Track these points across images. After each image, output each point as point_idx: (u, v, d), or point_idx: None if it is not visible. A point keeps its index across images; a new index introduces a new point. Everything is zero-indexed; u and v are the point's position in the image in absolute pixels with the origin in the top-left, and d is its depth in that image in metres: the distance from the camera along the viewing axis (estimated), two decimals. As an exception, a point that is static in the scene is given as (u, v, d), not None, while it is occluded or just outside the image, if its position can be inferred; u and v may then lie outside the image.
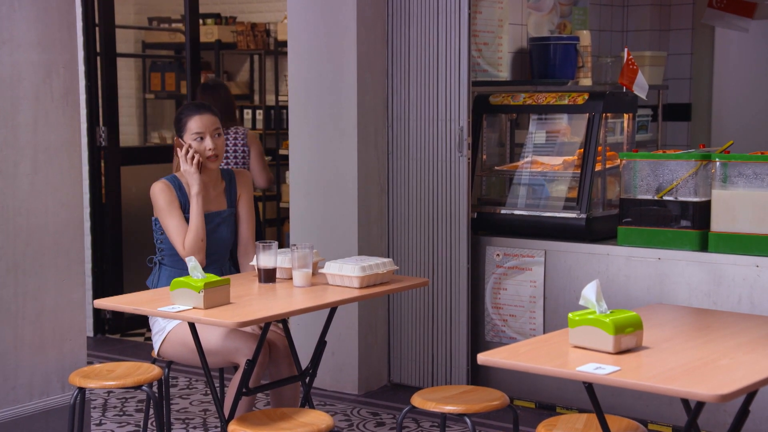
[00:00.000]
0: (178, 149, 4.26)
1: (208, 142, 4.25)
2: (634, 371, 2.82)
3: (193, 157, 4.22)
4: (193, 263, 3.70)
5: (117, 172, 6.85)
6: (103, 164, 6.81)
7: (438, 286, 5.40)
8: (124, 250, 6.88)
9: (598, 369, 2.82)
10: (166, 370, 4.31)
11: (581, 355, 2.96)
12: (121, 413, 5.22)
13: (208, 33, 9.18)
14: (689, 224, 4.78)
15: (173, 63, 9.33)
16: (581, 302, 3.09)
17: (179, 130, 4.30)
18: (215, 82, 6.64)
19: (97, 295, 6.82)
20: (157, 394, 4.27)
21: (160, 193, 4.22)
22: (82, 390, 3.92)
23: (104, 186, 6.83)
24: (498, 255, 5.32)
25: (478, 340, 5.42)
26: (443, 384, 5.41)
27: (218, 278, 3.67)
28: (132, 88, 9.67)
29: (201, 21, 9.23)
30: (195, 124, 4.26)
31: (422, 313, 5.48)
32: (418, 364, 5.52)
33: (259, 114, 9.11)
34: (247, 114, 9.19)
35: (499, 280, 5.32)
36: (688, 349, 3.04)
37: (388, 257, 5.53)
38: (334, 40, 5.41)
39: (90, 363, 6.16)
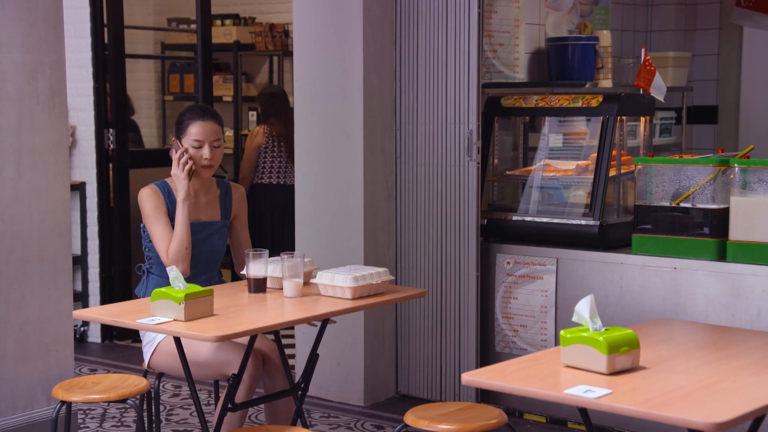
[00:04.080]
0: (174, 150, 4.10)
1: (205, 151, 4.10)
2: (627, 394, 2.62)
3: (186, 163, 4.07)
4: (174, 273, 3.55)
5: (125, 175, 6.72)
6: (111, 167, 6.68)
7: (447, 295, 5.22)
8: (132, 255, 6.75)
9: (588, 392, 2.63)
10: (156, 382, 4.17)
11: (573, 376, 2.77)
12: (119, 424, 5.09)
13: (227, 34, 9.05)
14: (707, 232, 4.56)
15: (192, 64, 9.20)
16: (574, 318, 2.90)
17: (178, 131, 4.14)
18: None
19: (104, 300, 6.70)
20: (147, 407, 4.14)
21: (147, 198, 4.08)
22: (66, 403, 3.77)
23: (112, 189, 6.70)
24: (508, 263, 5.13)
25: (487, 351, 5.23)
26: (452, 395, 5.24)
27: (201, 289, 3.51)
28: (151, 89, 9.57)
29: (220, 22, 9.12)
30: (196, 129, 4.10)
31: (430, 322, 5.30)
32: (427, 375, 5.34)
33: (277, 116, 8.95)
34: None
35: (510, 288, 5.13)
36: (687, 370, 2.84)
37: (395, 264, 5.36)
38: (340, 40, 5.24)
39: (94, 371, 6.06)
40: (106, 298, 6.70)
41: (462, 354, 5.20)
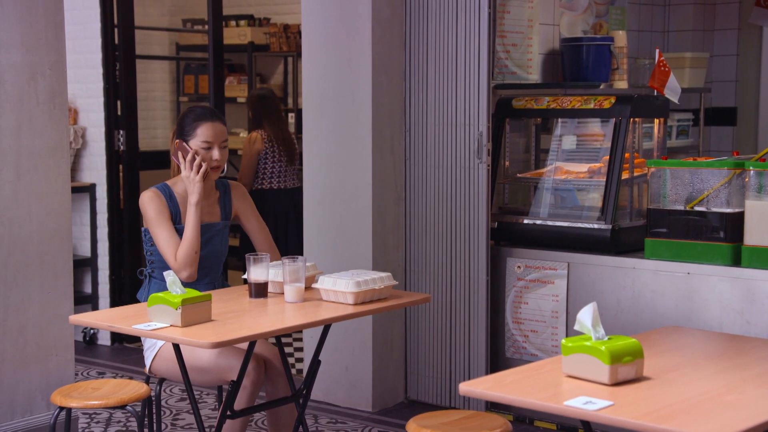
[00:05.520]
0: (181, 153, 4.02)
1: (215, 153, 4.04)
2: (629, 406, 2.53)
3: (200, 166, 3.99)
4: (171, 278, 3.48)
5: (136, 176, 6.67)
6: (121, 169, 6.63)
7: (456, 299, 5.13)
8: (142, 257, 6.69)
9: (588, 404, 2.54)
10: (158, 387, 4.10)
11: (574, 387, 2.68)
12: (124, 429, 5.03)
13: (241, 35, 8.99)
14: (721, 237, 4.45)
15: (207, 65, 9.13)
16: (576, 327, 2.81)
17: (186, 133, 4.06)
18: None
19: (114, 302, 6.65)
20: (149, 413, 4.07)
21: (149, 202, 4.01)
22: (65, 409, 3.71)
23: (122, 191, 6.65)
24: (519, 267, 5.04)
25: (498, 357, 5.14)
26: (461, 401, 5.15)
27: (198, 294, 3.44)
28: (166, 90, 9.51)
29: (234, 23, 9.05)
30: (206, 131, 4.04)
31: (440, 327, 5.21)
32: (436, 380, 5.26)
33: (292, 117, 8.91)
34: (280, 116, 8.97)
35: (520, 293, 5.04)
36: (693, 381, 2.75)
37: (404, 268, 5.28)
38: (348, 40, 5.17)
39: (102, 374, 6.01)
40: (116, 301, 6.66)
41: (472, 359, 5.11)
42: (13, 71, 4.06)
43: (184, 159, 4.01)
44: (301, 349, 6.37)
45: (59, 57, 4.16)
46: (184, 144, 4.04)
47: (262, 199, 6.84)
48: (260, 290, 3.80)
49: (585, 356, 2.72)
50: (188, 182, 4.00)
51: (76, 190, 6.52)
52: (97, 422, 5.10)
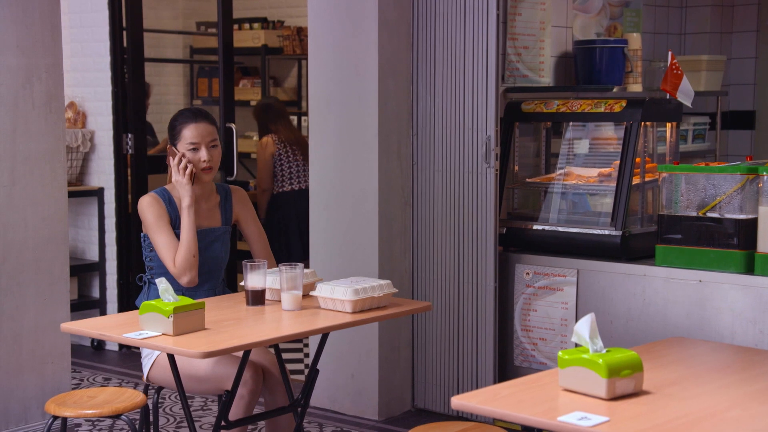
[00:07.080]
0: (171, 158, 3.98)
1: (203, 154, 3.96)
2: (626, 422, 2.43)
3: (186, 168, 3.93)
4: (164, 285, 3.41)
5: (144, 180, 6.61)
6: (129, 172, 6.58)
7: (464, 306, 5.04)
8: (150, 262, 6.64)
9: (583, 419, 2.44)
10: (155, 396, 4.03)
11: (570, 401, 2.59)
12: (126, 436, 4.97)
13: (255, 38, 8.93)
14: (734, 244, 4.34)
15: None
16: (573, 339, 2.71)
17: (173, 137, 4.01)
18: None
19: (122, 307, 6.60)
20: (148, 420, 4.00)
21: (148, 207, 3.94)
22: (59, 419, 3.64)
23: (131, 195, 6.59)
24: (528, 273, 4.94)
25: (506, 365, 5.04)
26: (467, 411, 5.04)
27: (191, 302, 3.37)
28: (180, 93, 9.47)
29: (248, 25, 9.00)
30: (190, 132, 3.97)
31: (447, 334, 5.12)
32: (443, 388, 5.17)
33: (305, 120, 8.83)
34: (293, 120, 8.91)
35: (529, 300, 4.94)
36: (695, 396, 2.64)
37: (411, 274, 5.19)
38: (354, 43, 5.09)
39: (108, 380, 5.95)
40: (124, 306, 6.60)
41: (479, 367, 5.02)
42: (8, 74, 4.00)
43: None
44: (307, 356, 6.30)
45: (56, 60, 4.10)
46: (174, 148, 3.98)
47: (284, 202, 6.87)
48: (257, 298, 3.73)
49: (582, 369, 2.63)
50: (179, 186, 3.95)
51: (84, 194, 6.48)
52: (100, 429, 5.04)
